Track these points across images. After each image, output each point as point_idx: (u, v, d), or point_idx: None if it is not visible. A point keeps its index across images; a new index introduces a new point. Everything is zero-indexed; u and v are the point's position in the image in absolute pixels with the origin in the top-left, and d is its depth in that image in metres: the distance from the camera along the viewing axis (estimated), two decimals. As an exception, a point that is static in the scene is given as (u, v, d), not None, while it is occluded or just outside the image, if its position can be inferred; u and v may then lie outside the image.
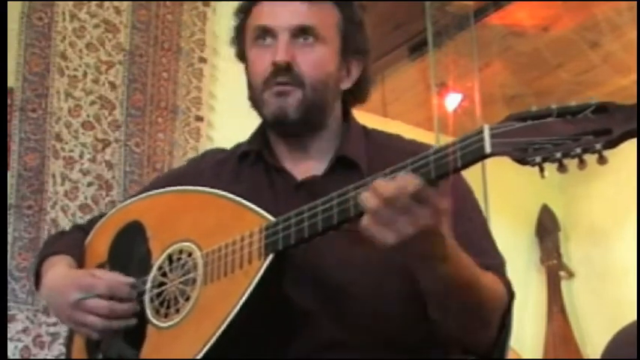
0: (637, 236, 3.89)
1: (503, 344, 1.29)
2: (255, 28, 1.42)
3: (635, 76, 3.76)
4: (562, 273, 4.44)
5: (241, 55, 1.49)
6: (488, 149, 1.03)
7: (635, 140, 1.00)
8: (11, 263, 2.56)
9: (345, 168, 1.39)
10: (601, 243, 4.39)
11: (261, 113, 1.43)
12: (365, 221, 1.10)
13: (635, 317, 1.90)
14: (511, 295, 1.30)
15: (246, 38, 1.46)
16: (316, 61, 1.39)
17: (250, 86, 1.45)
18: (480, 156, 1.04)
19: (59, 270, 1.47)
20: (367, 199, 1.10)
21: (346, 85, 1.46)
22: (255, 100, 1.43)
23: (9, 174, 2.62)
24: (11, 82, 2.69)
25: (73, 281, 1.41)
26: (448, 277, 1.16)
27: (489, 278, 1.26)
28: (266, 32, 1.41)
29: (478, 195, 1.47)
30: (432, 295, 1.22)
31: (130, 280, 1.38)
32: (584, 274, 4.46)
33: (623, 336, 1.85)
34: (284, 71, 1.37)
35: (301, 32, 1.39)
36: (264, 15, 1.42)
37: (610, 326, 1.92)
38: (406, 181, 1.07)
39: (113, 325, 1.37)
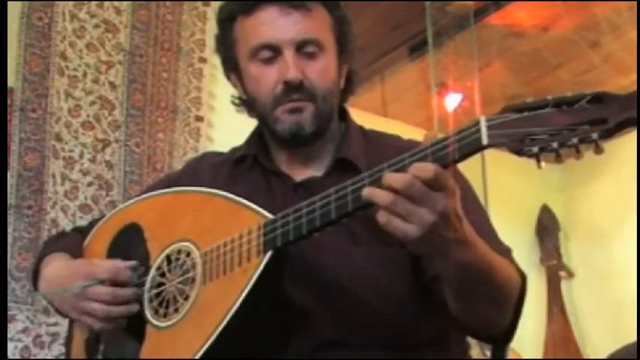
0: (637, 236, 3.89)
1: (516, 328, 1.28)
2: (255, 46, 1.40)
3: (635, 76, 3.75)
4: (562, 273, 4.44)
5: (231, 67, 1.47)
6: (485, 140, 1.02)
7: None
8: (11, 263, 2.56)
9: (344, 170, 1.39)
10: (601, 243, 4.38)
11: (271, 129, 1.42)
12: (383, 217, 1.06)
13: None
14: (523, 278, 1.28)
15: (236, 51, 1.44)
16: (323, 71, 1.40)
17: (255, 102, 1.43)
18: (477, 147, 1.03)
19: (57, 263, 1.49)
20: (379, 195, 1.05)
21: (342, 84, 1.47)
22: (264, 117, 1.43)
23: (9, 174, 2.62)
24: (11, 82, 2.69)
25: (73, 271, 1.43)
26: (469, 261, 1.13)
27: (503, 262, 1.24)
28: (268, 48, 1.39)
29: (478, 195, 1.47)
30: (453, 285, 1.18)
31: (130, 263, 1.39)
32: (584, 274, 4.45)
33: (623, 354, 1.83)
34: (296, 88, 1.37)
35: (305, 44, 1.39)
36: (265, 31, 1.39)
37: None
38: (419, 168, 1.04)
39: (115, 312, 1.37)
